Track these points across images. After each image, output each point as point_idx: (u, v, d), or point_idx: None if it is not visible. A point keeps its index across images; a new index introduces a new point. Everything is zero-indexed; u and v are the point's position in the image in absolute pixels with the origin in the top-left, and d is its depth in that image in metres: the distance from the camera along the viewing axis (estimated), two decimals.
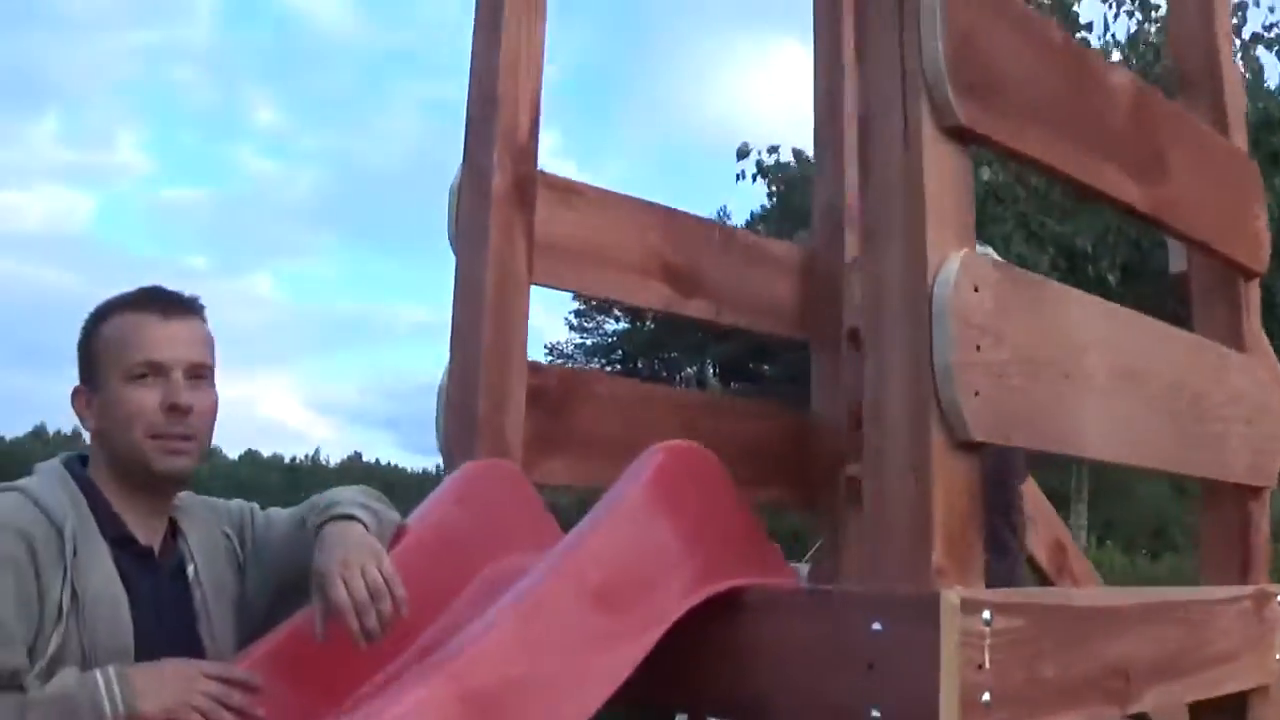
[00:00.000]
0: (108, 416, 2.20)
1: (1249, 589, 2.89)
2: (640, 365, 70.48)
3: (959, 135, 2.03)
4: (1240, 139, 3.17)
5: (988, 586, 2.44)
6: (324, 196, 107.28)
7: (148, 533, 2.22)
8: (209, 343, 2.29)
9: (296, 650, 2.14)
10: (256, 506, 2.51)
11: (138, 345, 2.19)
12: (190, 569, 2.27)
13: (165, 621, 2.17)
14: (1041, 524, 4.27)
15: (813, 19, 3.96)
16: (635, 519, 2.02)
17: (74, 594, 2.03)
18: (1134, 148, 2.53)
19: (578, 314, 71.68)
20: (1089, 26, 10.31)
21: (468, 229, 2.96)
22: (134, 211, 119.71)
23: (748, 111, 79.55)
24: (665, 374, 70.98)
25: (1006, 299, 2.05)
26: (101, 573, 2.09)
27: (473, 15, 3.08)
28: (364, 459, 64.70)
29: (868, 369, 2.03)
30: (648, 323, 68.37)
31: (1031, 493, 4.08)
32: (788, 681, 2.05)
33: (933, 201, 1.97)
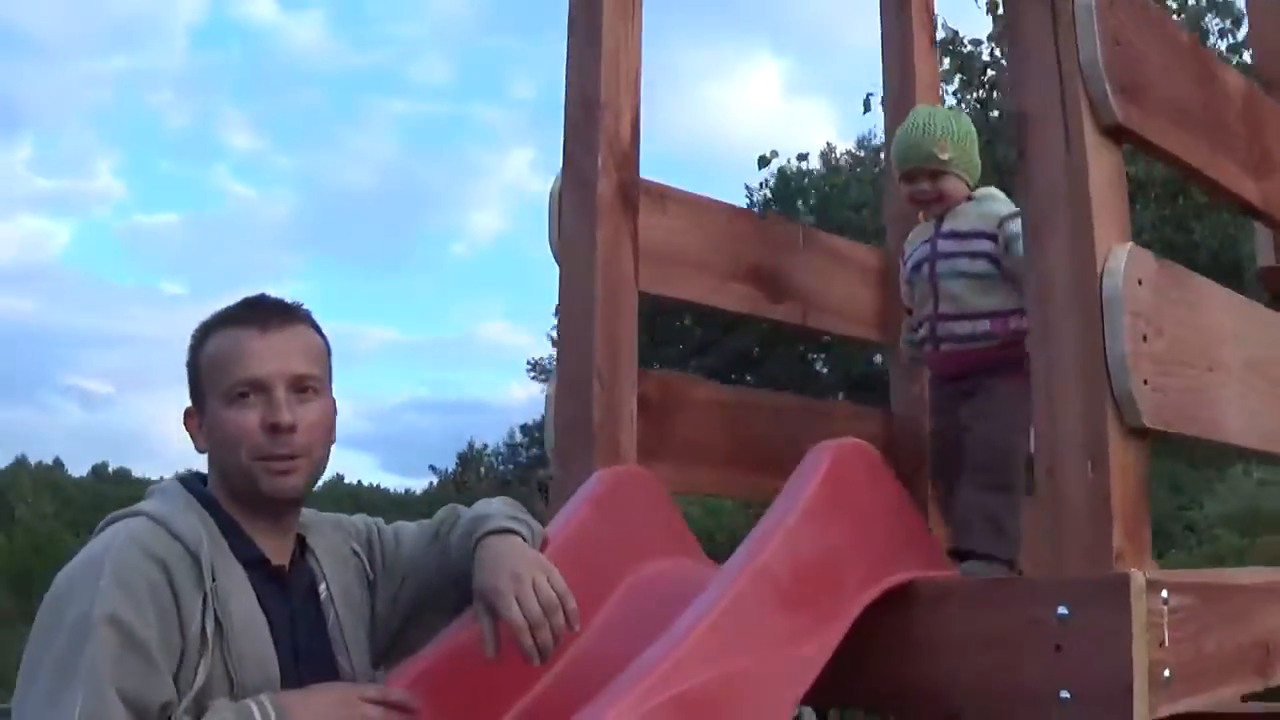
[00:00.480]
0: (214, 439, 2.13)
1: None
2: None
3: (1116, 134, 2.11)
4: None
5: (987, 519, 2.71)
6: (299, 217, 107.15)
7: (277, 552, 2.17)
8: (316, 351, 2.21)
9: (449, 669, 2.13)
10: (381, 522, 2.45)
11: (236, 363, 2.11)
12: (323, 588, 2.23)
13: (302, 644, 2.13)
14: None
15: (880, 28, 4.01)
16: (814, 518, 2.07)
17: (217, 621, 1.98)
18: (1246, 145, 2.61)
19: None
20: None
21: (573, 236, 2.94)
22: (110, 238, 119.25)
23: (718, 124, 79.83)
24: None
25: (1164, 291, 2.12)
26: (242, 598, 2.04)
27: (566, 16, 3.05)
28: (345, 480, 64.30)
29: (1035, 363, 2.10)
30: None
31: None
32: (968, 671, 2.11)
33: (1097, 198, 2.04)
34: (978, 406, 2.93)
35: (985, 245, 2.94)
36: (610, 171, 2.94)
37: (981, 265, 2.94)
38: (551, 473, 3.05)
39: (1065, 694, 1.95)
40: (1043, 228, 2.09)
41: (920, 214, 3.24)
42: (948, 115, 3.19)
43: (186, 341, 2.21)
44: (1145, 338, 2.04)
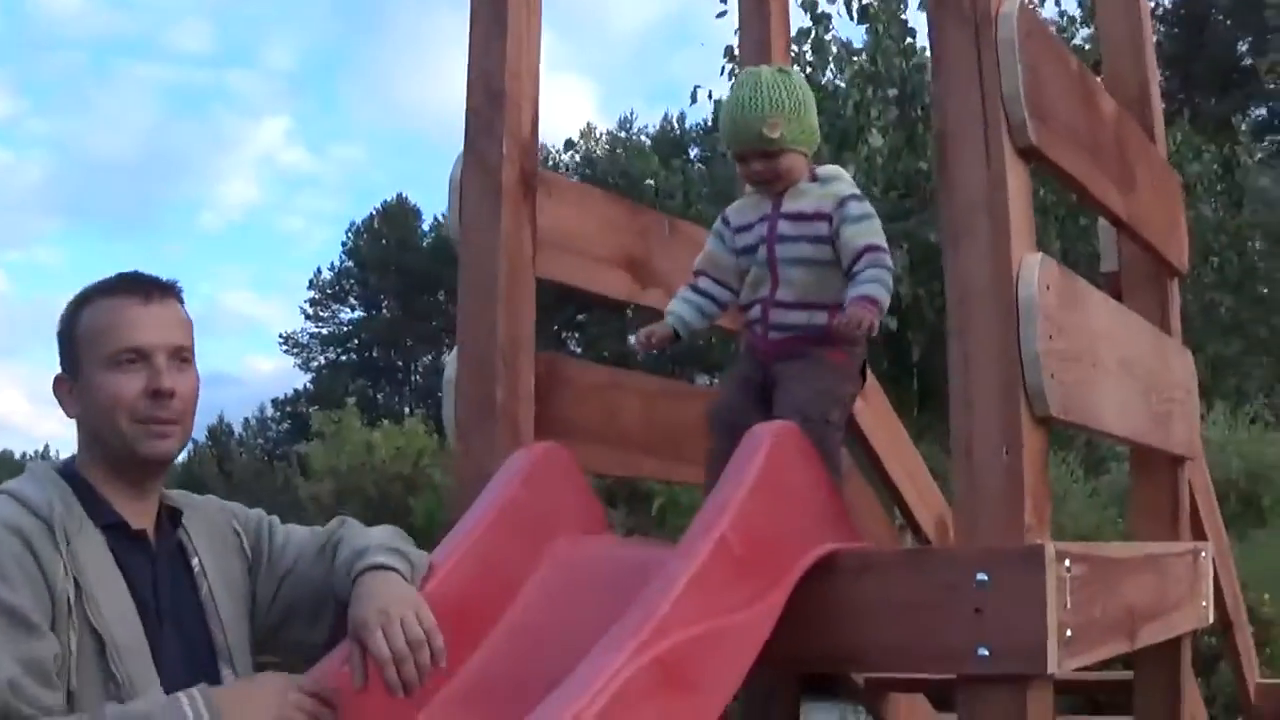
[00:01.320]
0: (91, 403, 2.22)
1: (1189, 544, 3.32)
2: (377, 354, 70.19)
3: (1028, 154, 2.36)
4: (1163, 151, 3.60)
5: None
6: (53, 182, 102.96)
7: (138, 517, 2.24)
8: (189, 325, 2.32)
9: None
10: (276, 520, 2.55)
11: (120, 331, 2.21)
12: (195, 562, 2.31)
13: (166, 605, 2.21)
14: (931, 500, 4.59)
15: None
16: (759, 494, 2.28)
17: (76, 585, 2.05)
18: (1117, 164, 2.91)
19: (312, 303, 70.93)
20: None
21: (475, 221, 3.04)
22: None
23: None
24: (402, 363, 70.83)
25: (1063, 296, 2.39)
26: (99, 559, 2.12)
27: (468, 11, 3.14)
28: None
29: (953, 359, 2.33)
30: (383, 311, 67.98)
31: (921, 473, 4.43)
32: (889, 633, 2.34)
33: (1013, 210, 2.29)
34: (792, 378, 2.78)
35: (827, 229, 2.78)
36: (513, 160, 3.05)
37: (825, 251, 2.77)
38: (453, 448, 3.18)
39: (984, 651, 2.20)
40: (962, 236, 2.33)
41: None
42: (775, 83, 2.87)
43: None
44: (1051, 337, 2.30)
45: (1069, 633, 2.23)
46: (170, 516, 2.32)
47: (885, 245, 2.75)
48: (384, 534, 2.40)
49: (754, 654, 2.16)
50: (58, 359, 2.30)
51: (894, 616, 2.33)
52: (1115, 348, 2.68)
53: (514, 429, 2.99)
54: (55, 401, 2.31)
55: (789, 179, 2.84)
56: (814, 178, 2.86)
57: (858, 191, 2.85)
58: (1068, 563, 2.24)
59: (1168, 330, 3.47)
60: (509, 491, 2.64)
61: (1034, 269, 2.27)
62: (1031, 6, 2.47)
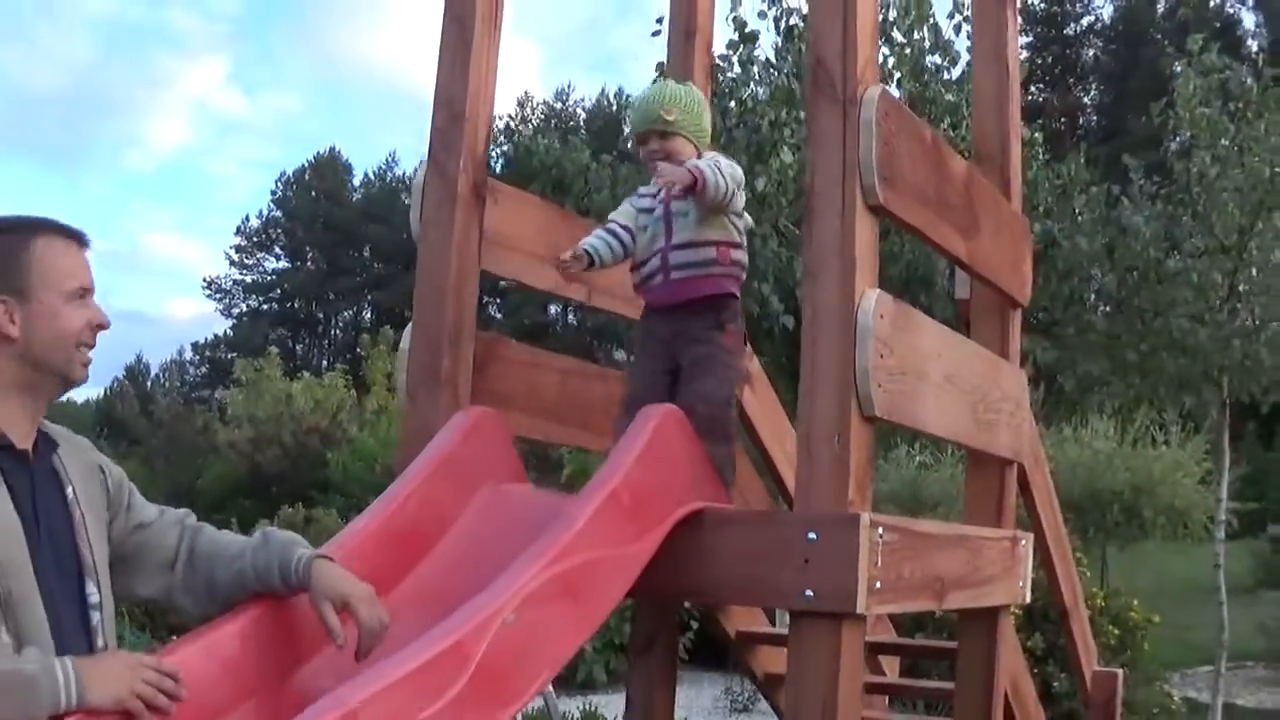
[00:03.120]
0: (43, 328, 2.45)
1: (1007, 532, 4.00)
2: (299, 305, 70.20)
3: (877, 211, 3.01)
4: (1017, 204, 4.28)
5: (717, 468, 3.31)
6: None
7: (22, 438, 2.44)
8: None
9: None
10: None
11: (78, 271, 2.52)
12: (70, 490, 2.51)
13: (43, 518, 2.41)
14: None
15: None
16: (644, 459, 2.92)
17: None
18: (963, 215, 3.57)
19: (238, 249, 70.87)
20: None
21: (433, 222, 3.65)
22: None
23: (417, 58, 79.94)
24: (323, 316, 70.89)
25: (896, 323, 3.04)
26: None
27: (439, 37, 3.72)
28: None
29: (804, 365, 2.98)
30: (308, 263, 67.96)
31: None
32: (738, 575, 3.01)
33: (859, 255, 2.94)
34: (696, 364, 3.43)
35: None
36: (468, 171, 3.65)
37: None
38: (403, 407, 3.77)
39: (809, 593, 2.86)
40: (820, 272, 2.97)
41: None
42: (678, 86, 3.66)
43: None
44: (881, 355, 2.95)
45: (878, 584, 2.88)
46: (46, 443, 2.52)
47: (721, 167, 3.39)
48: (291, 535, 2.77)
49: (631, 580, 2.80)
50: None
51: (743, 561, 2.99)
52: (942, 365, 3.33)
53: (455, 395, 3.59)
54: None
55: (678, 159, 3.47)
56: (698, 157, 3.49)
57: (718, 157, 3.50)
58: (880, 530, 2.90)
59: (1005, 353, 4.15)
60: (450, 445, 3.26)
61: (872, 300, 2.92)
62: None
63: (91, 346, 2.54)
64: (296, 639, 2.68)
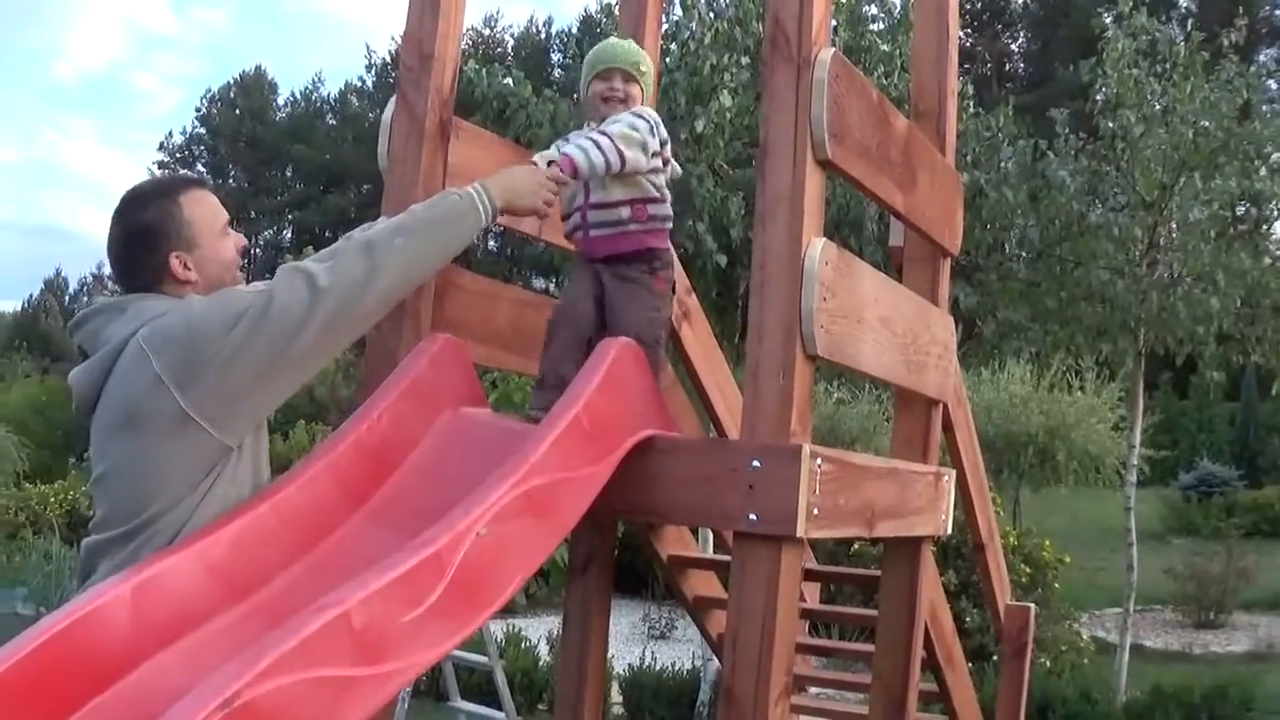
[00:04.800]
0: (211, 262, 3.14)
1: (933, 468, 4.28)
2: None
3: (825, 165, 3.23)
4: (951, 157, 4.53)
5: None
6: None
7: None
8: None
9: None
10: None
11: (215, 211, 3.19)
12: None
13: None
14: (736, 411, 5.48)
15: None
16: (603, 389, 3.14)
17: None
18: (902, 170, 3.80)
19: (160, 165, 70.22)
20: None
21: (401, 158, 3.80)
22: None
23: None
24: (245, 233, 70.45)
25: (839, 269, 3.27)
26: None
27: None
28: None
29: (753, 305, 3.21)
30: (230, 181, 67.68)
31: (730, 389, 5.31)
32: (687, 498, 3.25)
33: (807, 206, 3.17)
34: (623, 300, 3.60)
35: None
36: (435, 110, 3.80)
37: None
38: (368, 334, 3.93)
39: (753, 516, 3.10)
40: (769, 220, 3.19)
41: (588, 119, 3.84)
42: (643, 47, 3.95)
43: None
44: (824, 299, 3.18)
45: (815, 510, 3.13)
46: None
47: (617, 134, 3.53)
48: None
49: (591, 498, 3.03)
50: (147, 251, 3.09)
51: (692, 485, 3.24)
52: (878, 309, 3.58)
53: (416, 323, 3.74)
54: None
55: (630, 104, 3.69)
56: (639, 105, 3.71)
57: (642, 112, 3.65)
58: (819, 461, 3.14)
59: (935, 299, 4.41)
60: (417, 369, 3.45)
61: (818, 248, 3.15)
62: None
63: (241, 265, 3.26)
64: (281, 544, 2.89)
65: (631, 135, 3.56)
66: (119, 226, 3.11)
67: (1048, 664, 11.55)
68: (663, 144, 3.66)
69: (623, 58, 3.75)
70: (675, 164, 3.79)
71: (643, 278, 3.65)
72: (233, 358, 2.87)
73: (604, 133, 3.55)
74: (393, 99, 3.88)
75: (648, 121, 3.62)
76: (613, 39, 3.89)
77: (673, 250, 3.85)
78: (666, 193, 3.75)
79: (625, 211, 3.63)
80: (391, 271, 3.11)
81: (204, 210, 3.15)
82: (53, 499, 18.61)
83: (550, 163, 3.54)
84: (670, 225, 3.78)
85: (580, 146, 3.52)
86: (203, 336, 2.87)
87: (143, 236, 3.09)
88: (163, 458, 2.87)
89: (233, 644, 2.59)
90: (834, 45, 3.41)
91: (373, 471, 3.17)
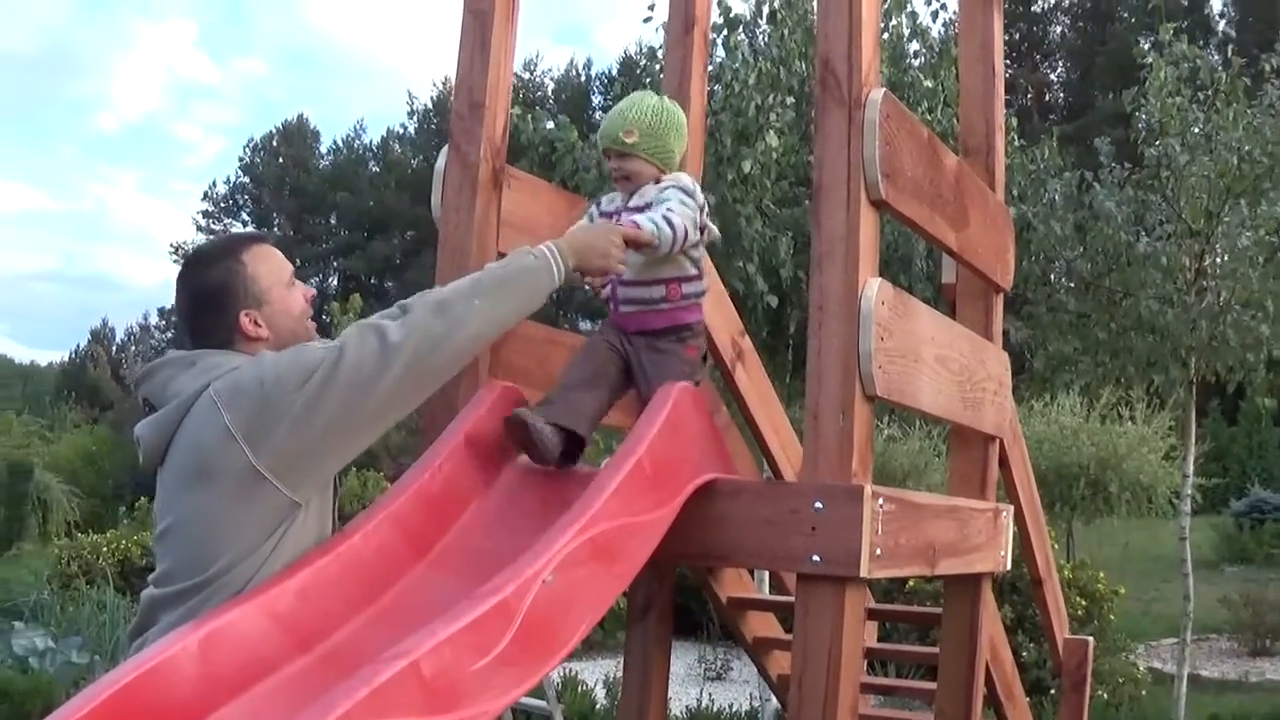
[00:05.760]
0: (281, 316, 3.12)
1: (991, 504, 4.26)
2: None
3: (879, 205, 3.25)
4: (1001, 194, 4.53)
5: None
6: None
7: None
8: None
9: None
10: None
11: (279, 265, 3.17)
12: None
13: None
14: (791, 452, 5.48)
15: None
16: (664, 433, 3.16)
17: None
18: (954, 207, 3.81)
19: (205, 215, 70.97)
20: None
21: (455, 206, 3.83)
22: None
23: (387, 26, 79.83)
24: None
25: (894, 309, 3.28)
26: None
27: (459, 30, 3.90)
28: None
29: (811, 347, 3.22)
30: (274, 229, 68.30)
31: (785, 429, 5.31)
32: (751, 539, 3.25)
33: (863, 246, 3.18)
34: (654, 365, 3.54)
35: None
36: (488, 159, 3.83)
37: None
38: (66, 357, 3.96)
39: (816, 558, 3.10)
40: (826, 260, 3.21)
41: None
42: (646, 104, 3.59)
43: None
44: (881, 338, 3.19)
45: (878, 550, 3.13)
46: None
47: (674, 219, 3.41)
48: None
49: (655, 543, 3.04)
50: (217, 312, 3.08)
51: (754, 528, 3.24)
52: (934, 348, 3.58)
53: (475, 370, 3.76)
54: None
55: (637, 181, 3.56)
56: (658, 182, 3.55)
57: (684, 184, 3.52)
58: (881, 500, 3.15)
59: (989, 335, 4.41)
60: (476, 416, 3.47)
61: (874, 288, 3.16)
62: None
63: (311, 315, 3.24)
64: (346, 593, 2.91)
65: (686, 213, 3.47)
66: (185, 290, 3.12)
67: (1105, 696, 11.43)
68: (701, 209, 3.57)
69: (608, 135, 3.59)
70: (713, 227, 3.68)
71: (672, 347, 3.59)
72: (304, 414, 2.87)
73: (672, 209, 3.44)
74: (444, 148, 3.92)
75: (690, 193, 3.52)
76: (613, 110, 3.69)
77: (704, 320, 3.80)
78: (703, 265, 3.66)
79: (659, 291, 3.55)
80: (464, 330, 3.11)
81: (269, 265, 3.14)
82: (105, 548, 18.72)
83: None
84: (704, 299, 3.70)
85: (652, 221, 3.41)
86: (275, 391, 2.87)
87: (211, 298, 3.09)
88: (231, 513, 2.86)
89: (301, 694, 2.60)
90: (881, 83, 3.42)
91: (435, 520, 3.19)
